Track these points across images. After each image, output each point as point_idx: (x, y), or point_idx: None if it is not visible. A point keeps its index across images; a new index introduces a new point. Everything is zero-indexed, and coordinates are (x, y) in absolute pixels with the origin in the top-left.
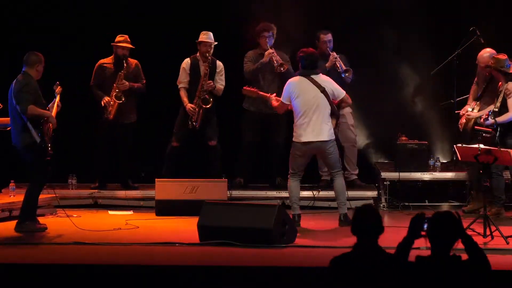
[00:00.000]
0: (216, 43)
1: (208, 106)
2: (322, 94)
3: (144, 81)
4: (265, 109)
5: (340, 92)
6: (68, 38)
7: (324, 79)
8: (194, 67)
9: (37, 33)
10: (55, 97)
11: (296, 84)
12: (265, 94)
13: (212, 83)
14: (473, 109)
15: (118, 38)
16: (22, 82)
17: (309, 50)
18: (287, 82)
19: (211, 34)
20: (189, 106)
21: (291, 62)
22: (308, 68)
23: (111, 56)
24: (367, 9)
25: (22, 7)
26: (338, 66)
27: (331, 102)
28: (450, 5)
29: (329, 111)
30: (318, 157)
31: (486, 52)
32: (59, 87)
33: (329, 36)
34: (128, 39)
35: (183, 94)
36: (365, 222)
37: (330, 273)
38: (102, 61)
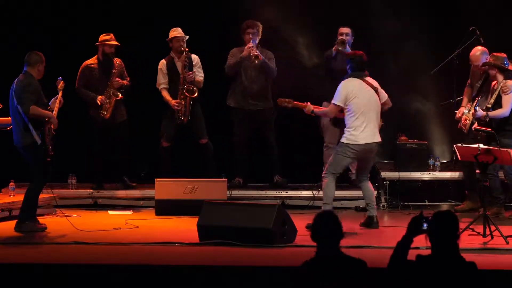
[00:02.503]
0: (187, 36)
1: (194, 96)
2: (376, 95)
3: (128, 78)
4: (246, 106)
5: (384, 95)
6: (68, 38)
7: (372, 81)
8: (170, 66)
9: (37, 33)
10: (58, 93)
11: (353, 85)
12: (300, 103)
13: (192, 74)
14: (469, 111)
15: (104, 37)
16: (23, 82)
17: (357, 52)
18: (341, 83)
19: (179, 29)
20: (173, 102)
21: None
22: (357, 70)
23: (95, 57)
24: (367, 9)
25: (23, 7)
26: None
27: (380, 104)
28: (450, 5)
29: (378, 117)
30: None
31: (478, 50)
32: (61, 82)
33: (347, 29)
34: (113, 37)
35: (165, 94)
36: (324, 228)
37: (300, 276)
38: (87, 62)
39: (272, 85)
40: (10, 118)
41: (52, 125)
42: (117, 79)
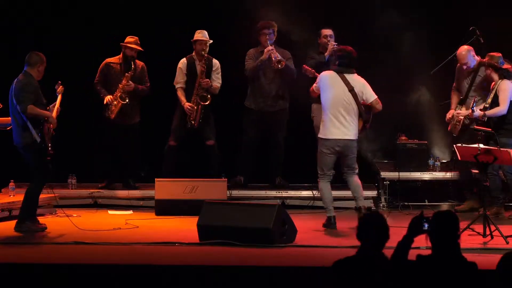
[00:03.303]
0: (211, 41)
1: (206, 103)
2: (350, 93)
3: (148, 84)
4: (265, 107)
5: (370, 96)
6: (68, 38)
7: (356, 79)
8: (190, 67)
9: (38, 33)
10: (57, 97)
11: (327, 78)
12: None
13: (208, 81)
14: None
15: (128, 39)
16: (22, 82)
17: (347, 48)
18: (321, 73)
19: (205, 32)
20: (187, 105)
21: (293, 59)
22: (343, 66)
23: (119, 56)
24: (367, 9)
25: (23, 7)
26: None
27: (359, 103)
28: (450, 5)
29: (356, 111)
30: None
31: (464, 49)
32: (61, 86)
33: (329, 31)
34: (138, 41)
35: (180, 94)
36: (371, 229)
37: (332, 276)
38: (108, 60)
39: (289, 85)
40: (10, 118)
41: (51, 125)
42: (130, 82)
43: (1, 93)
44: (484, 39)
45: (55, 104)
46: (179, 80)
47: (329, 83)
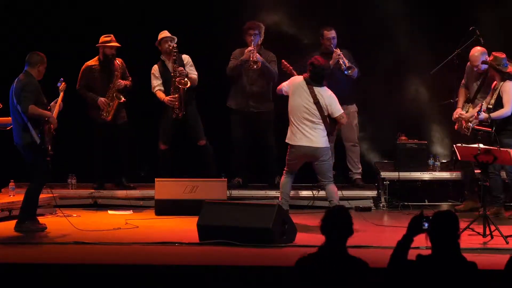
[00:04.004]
0: (175, 38)
1: (187, 86)
2: (314, 106)
3: (130, 78)
4: (248, 108)
5: (335, 111)
6: (68, 38)
7: (323, 94)
8: (162, 69)
9: (38, 33)
10: (59, 94)
11: (296, 85)
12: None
13: (182, 69)
14: (467, 111)
15: (104, 38)
16: (23, 82)
17: (321, 63)
18: (293, 78)
19: (166, 31)
20: (167, 98)
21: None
22: (313, 80)
23: (96, 58)
24: (366, 8)
25: (23, 6)
26: (342, 63)
27: (323, 115)
28: (450, 5)
29: (320, 124)
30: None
31: (477, 51)
32: (63, 83)
33: (332, 33)
34: (114, 38)
35: (160, 95)
36: (335, 222)
37: (295, 274)
38: (88, 63)
39: (273, 87)
40: (10, 117)
41: (51, 125)
42: (120, 80)
43: (1, 93)
44: (484, 39)
45: (57, 101)
46: (155, 84)
47: (296, 91)
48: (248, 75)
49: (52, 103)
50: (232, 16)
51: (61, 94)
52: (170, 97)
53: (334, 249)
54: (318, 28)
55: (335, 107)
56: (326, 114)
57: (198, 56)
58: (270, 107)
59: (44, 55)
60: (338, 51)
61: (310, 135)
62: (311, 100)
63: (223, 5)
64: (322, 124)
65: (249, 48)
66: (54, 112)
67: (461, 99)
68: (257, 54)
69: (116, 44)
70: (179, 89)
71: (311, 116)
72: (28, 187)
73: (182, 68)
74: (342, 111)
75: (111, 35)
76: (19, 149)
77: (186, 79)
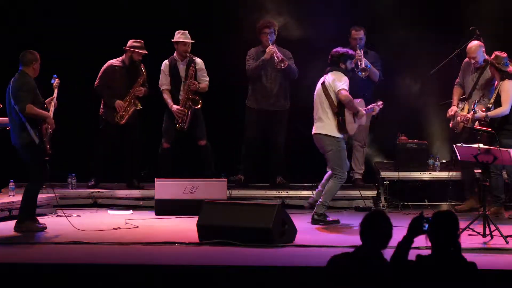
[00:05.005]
0: (193, 41)
1: (198, 107)
2: (321, 86)
3: (147, 85)
4: (267, 107)
5: (336, 86)
6: (68, 38)
7: (330, 74)
8: (172, 68)
9: (37, 32)
10: (54, 91)
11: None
12: None
13: (196, 83)
14: (462, 110)
15: (134, 43)
16: (19, 81)
17: (335, 50)
18: None
19: (187, 32)
20: (175, 108)
21: (294, 59)
22: (328, 66)
23: (121, 58)
24: (366, 9)
25: (22, 6)
26: (359, 64)
27: (329, 97)
28: (450, 5)
29: (328, 106)
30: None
31: (475, 44)
32: (57, 79)
33: (360, 33)
34: (143, 45)
35: (166, 96)
36: (375, 229)
37: (327, 272)
38: (111, 62)
39: (292, 84)
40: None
41: (49, 126)
42: (141, 88)
43: (1, 93)
44: (483, 39)
45: (53, 98)
46: (164, 82)
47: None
48: (266, 74)
49: (47, 100)
50: (232, 16)
51: (55, 91)
52: (178, 108)
53: (370, 253)
54: (315, 29)
55: (336, 83)
56: (331, 94)
57: (202, 54)
58: (286, 105)
59: (36, 52)
60: (359, 52)
61: (319, 122)
62: (320, 83)
63: (223, 5)
64: (330, 110)
65: (270, 47)
66: (50, 110)
67: (455, 98)
68: (279, 53)
69: (145, 51)
70: (190, 107)
71: (320, 101)
72: (26, 187)
73: (195, 83)
74: (342, 87)
75: (142, 41)
76: (17, 149)
77: (200, 100)
